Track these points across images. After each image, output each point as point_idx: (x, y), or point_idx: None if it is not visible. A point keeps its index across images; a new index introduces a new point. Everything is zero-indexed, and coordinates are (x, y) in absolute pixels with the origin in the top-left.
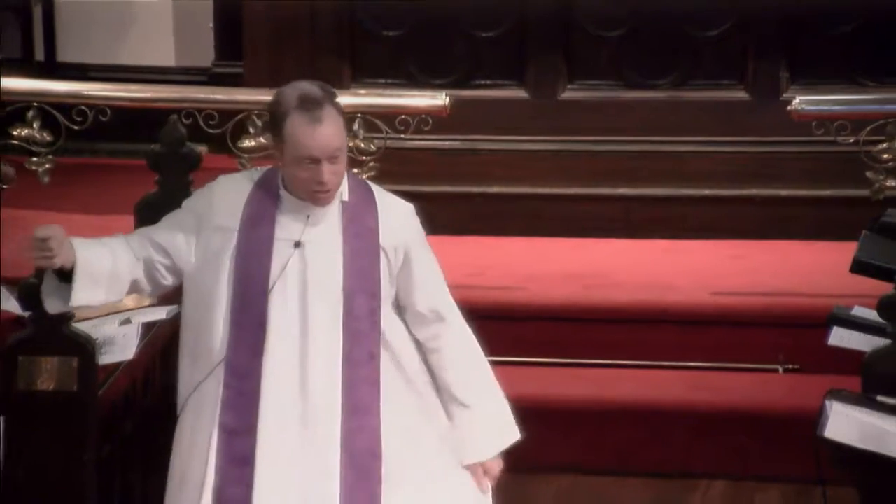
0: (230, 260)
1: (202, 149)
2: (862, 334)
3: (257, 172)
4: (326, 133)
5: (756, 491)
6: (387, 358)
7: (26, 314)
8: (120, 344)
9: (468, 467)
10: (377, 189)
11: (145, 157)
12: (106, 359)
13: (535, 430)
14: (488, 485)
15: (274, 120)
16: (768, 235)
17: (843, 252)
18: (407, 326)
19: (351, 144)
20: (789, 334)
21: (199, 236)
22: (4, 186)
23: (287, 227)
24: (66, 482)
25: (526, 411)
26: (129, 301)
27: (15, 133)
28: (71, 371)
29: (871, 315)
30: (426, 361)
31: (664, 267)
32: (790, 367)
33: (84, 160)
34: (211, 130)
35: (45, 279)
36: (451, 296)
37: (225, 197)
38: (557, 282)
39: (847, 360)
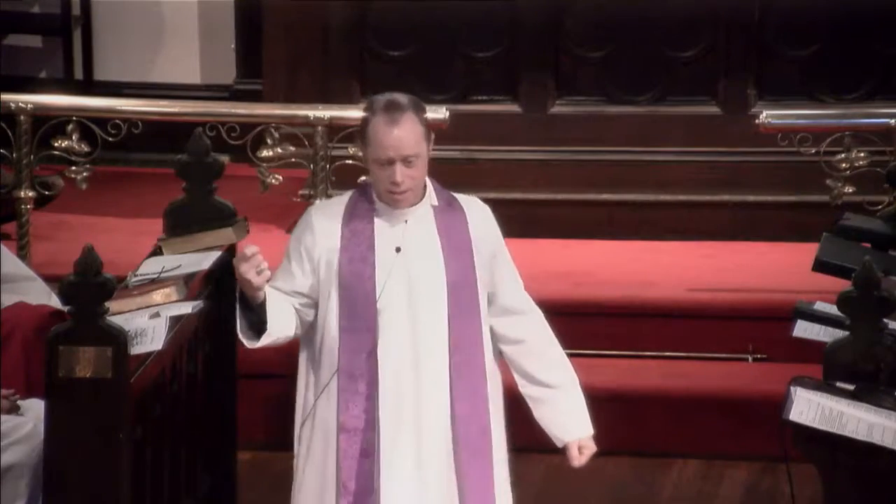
0: (337, 276)
1: (225, 158)
2: (823, 327)
3: (346, 195)
4: (400, 135)
5: (726, 468)
6: (486, 347)
7: (66, 308)
8: (150, 335)
9: (566, 445)
10: (456, 194)
11: (173, 166)
12: (137, 349)
13: (527, 412)
14: (582, 462)
15: (362, 125)
16: (738, 237)
17: (805, 252)
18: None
19: (360, 154)
20: (757, 327)
21: (313, 264)
22: (47, 193)
23: (386, 235)
24: (103, 460)
25: (519, 396)
26: (158, 296)
27: (56, 144)
28: (106, 360)
29: (832, 309)
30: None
31: (644, 266)
32: (758, 356)
33: (118, 169)
34: (233, 142)
35: (239, 319)
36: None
37: (322, 221)
38: (547, 279)
39: (810, 351)
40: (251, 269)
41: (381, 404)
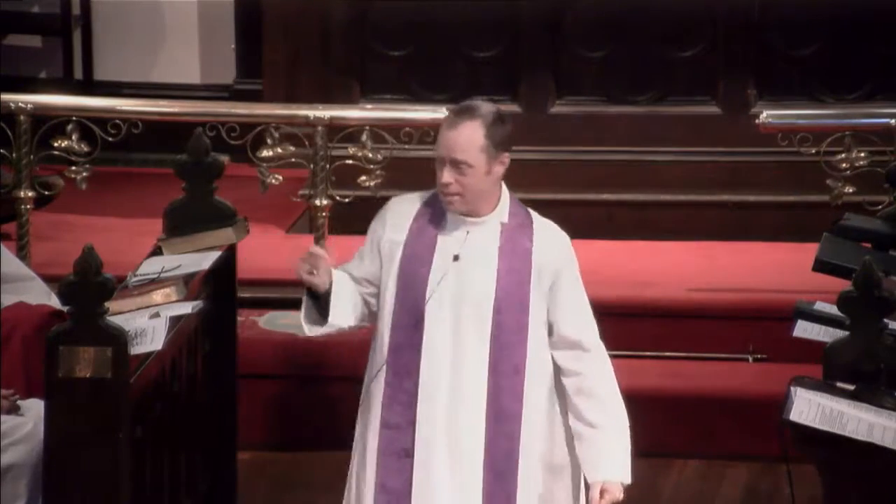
0: (397, 269)
1: (225, 158)
2: (823, 327)
3: (428, 193)
4: (454, 137)
5: (726, 468)
6: (531, 373)
7: (66, 308)
8: (150, 335)
9: (591, 484)
10: (536, 216)
11: (173, 167)
12: (137, 349)
13: None
14: None
15: None
16: (738, 237)
17: (805, 252)
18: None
19: (360, 154)
20: (757, 327)
21: (381, 256)
22: (47, 193)
23: (448, 241)
24: (103, 460)
25: None
26: (158, 296)
27: (56, 144)
28: (106, 360)
29: (832, 309)
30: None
31: (644, 266)
32: (758, 356)
33: (118, 169)
34: (233, 142)
35: (304, 305)
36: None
37: (395, 214)
38: None
39: (810, 351)
40: (303, 266)
41: (418, 405)
